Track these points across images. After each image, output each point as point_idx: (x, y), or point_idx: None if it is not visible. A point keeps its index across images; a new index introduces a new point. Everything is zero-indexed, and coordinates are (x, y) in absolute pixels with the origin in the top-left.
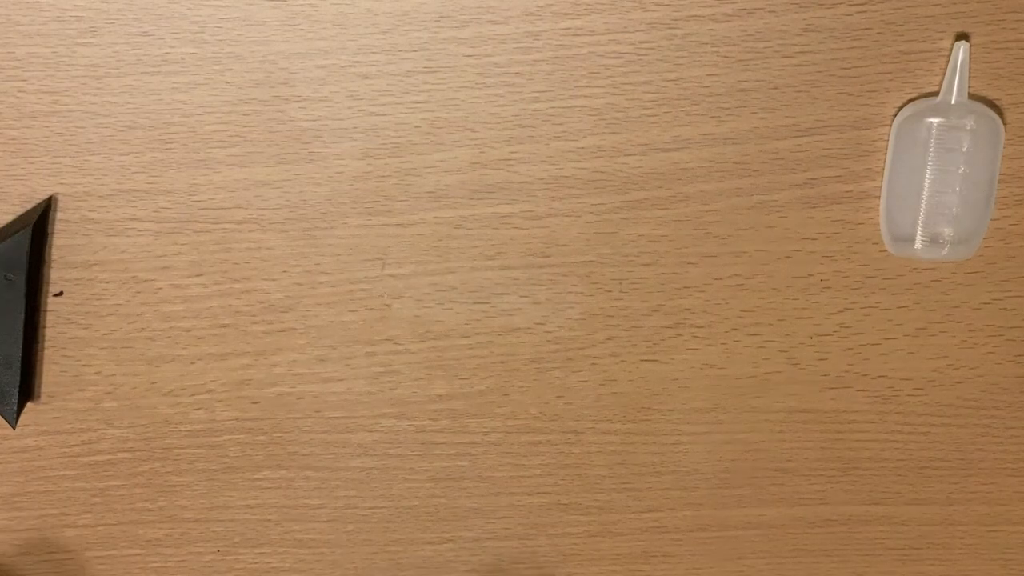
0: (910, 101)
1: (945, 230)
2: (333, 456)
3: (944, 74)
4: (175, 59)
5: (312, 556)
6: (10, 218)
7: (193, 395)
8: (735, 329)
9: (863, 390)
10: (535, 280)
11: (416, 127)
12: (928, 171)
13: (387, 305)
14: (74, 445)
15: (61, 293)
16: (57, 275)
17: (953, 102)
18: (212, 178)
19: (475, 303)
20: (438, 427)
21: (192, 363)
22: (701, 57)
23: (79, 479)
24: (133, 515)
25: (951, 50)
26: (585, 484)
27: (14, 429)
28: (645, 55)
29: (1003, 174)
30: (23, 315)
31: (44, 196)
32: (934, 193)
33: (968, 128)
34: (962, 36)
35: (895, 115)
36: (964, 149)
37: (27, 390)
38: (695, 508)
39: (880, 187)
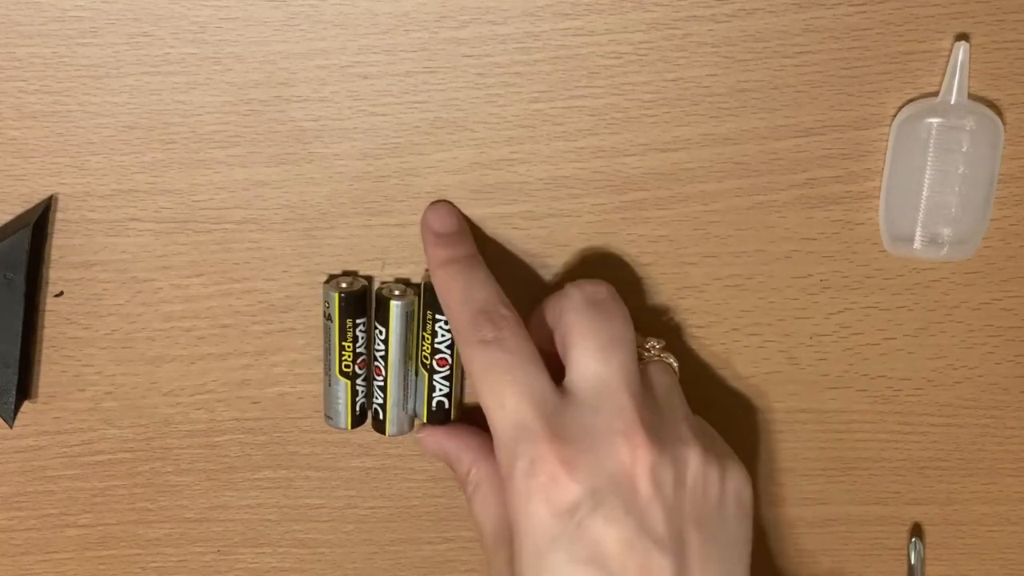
0: (910, 101)
1: (944, 230)
2: (333, 456)
3: (944, 74)
4: (175, 59)
5: (312, 556)
6: (10, 218)
7: (193, 395)
8: (735, 329)
9: (863, 390)
10: (535, 280)
11: (416, 127)
12: (927, 171)
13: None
14: (74, 445)
15: (61, 293)
16: (57, 275)
17: (953, 102)
18: (212, 178)
19: None
20: None
21: (192, 363)
22: (701, 57)
23: (79, 479)
24: (133, 515)
25: (951, 50)
26: None
27: (11, 428)
28: (645, 55)
29: (1003, 174)
30: (22, 314)
31: (44, 196)
32: (933, 193)
33: (968, 128)
34: (962, 36)
35: (895, 115)
36: (964, 149)
37: (24, 389)
38: None
39: (880, 187)
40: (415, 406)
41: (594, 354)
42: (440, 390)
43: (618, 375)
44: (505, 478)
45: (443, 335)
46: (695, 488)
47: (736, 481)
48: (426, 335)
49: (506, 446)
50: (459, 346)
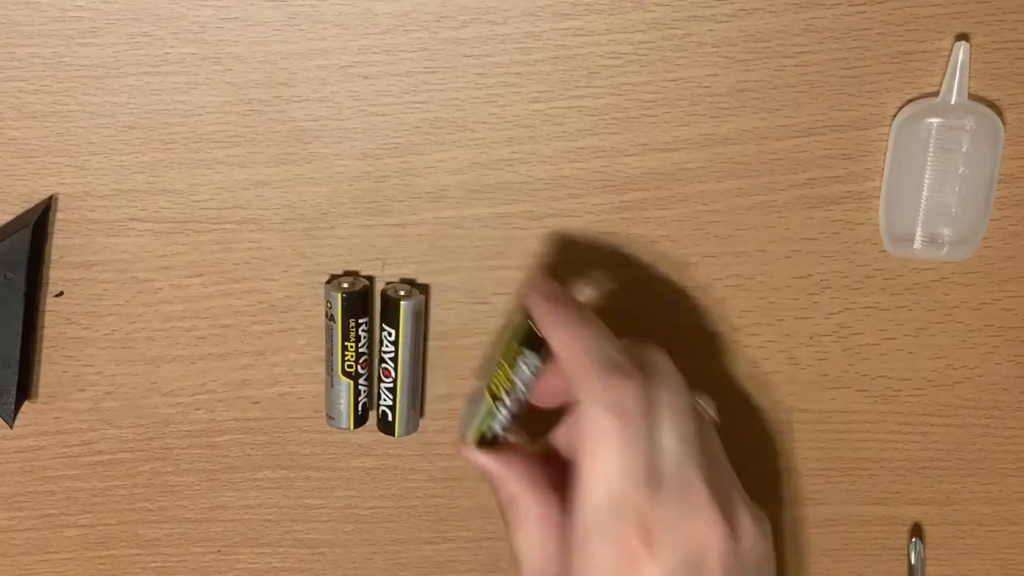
0: (910, 101)
1: (944, 230)
2: (333, 456)
3: (944, 74)
4: (175, 59)
5: (312, 556)
6: (10, 218)
7: (193, 395)
8: (735, 329)
9: (863, 390)
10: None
11: (416, 127)
12: (928, 171)
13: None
14: (74, 445)
15: (61, 293)
16: (57, 275)
17: (953, 102)
18: (212, 178)
19: (475, 303)
20: (438, 427)
21: (192, 363)
22: (701, 57)
23: (79, 479)
24: (133, 515)
25: (951, 50)
26: None
27: (11, 428)
28: (645, 55)
29: (1003, 174)
30: (22, 314)
31: (44, 196)
32: (933, 193)
33: (968, 128)
34: (962, 36)
35: (895, 115)
36: (964, 149)
37: (24, 389)
38: None
39: (880, 187)
40: (465, 427)
41: (667, 431)
42: (499, 419)
43: (691, 453)
44: (579, 544)
45: (525, 371)
46: (746, 555)
47: (769, 539)
48: (506, 364)
49: (591, 517)
50: (583, 401)
